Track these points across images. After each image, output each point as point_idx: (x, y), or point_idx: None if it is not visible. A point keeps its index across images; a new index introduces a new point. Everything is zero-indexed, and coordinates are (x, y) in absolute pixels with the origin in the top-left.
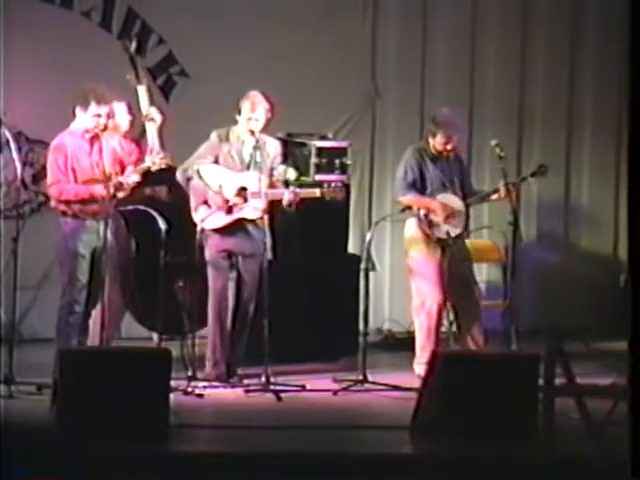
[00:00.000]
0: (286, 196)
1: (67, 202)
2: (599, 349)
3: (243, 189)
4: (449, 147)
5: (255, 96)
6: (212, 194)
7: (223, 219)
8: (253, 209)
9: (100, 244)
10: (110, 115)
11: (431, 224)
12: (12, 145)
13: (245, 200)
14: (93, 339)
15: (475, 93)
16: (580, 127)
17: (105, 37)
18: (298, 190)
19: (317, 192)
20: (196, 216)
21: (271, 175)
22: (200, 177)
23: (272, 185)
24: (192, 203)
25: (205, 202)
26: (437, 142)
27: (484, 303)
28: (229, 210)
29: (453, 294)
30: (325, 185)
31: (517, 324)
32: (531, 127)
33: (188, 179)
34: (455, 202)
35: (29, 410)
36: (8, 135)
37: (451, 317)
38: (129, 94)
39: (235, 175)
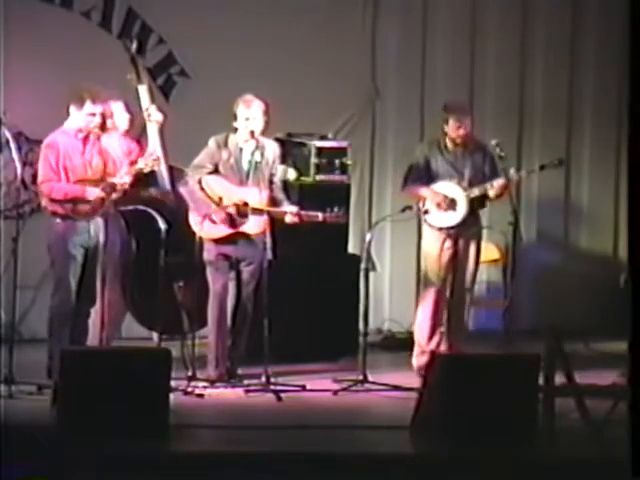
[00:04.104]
0: (288, 218)
1: (57, 202)
2: (599, 349)
3: (245, 204)
4: (462, 132)
5: (247, 97)
6: (214, 209)
7: (223, 231)
8: (254, 225)
9: (92, 244)
10: (108, 115)
11: (426, 212)
12: (12, 145)
13: (246, 216)
14: (93, 339)
15: (475, 92)
16: (580, 126)
17: (105, 37)
18: (301, 212)
19: (320, 216)
20: (194, 221)
21: (271, 182)
22: (201, 188)
23: (272, 197)
24: (191, 208)
25: (207, 215)
26: (450, 128)
27: (484, 303)
28: (230, 223)
29: (450, 293)
30: (328, 210)
31: (517, 324)
32: (531, 127)
33: (191, 191)
34: (451, 190)
35: (29, 410)
36: (8, 135)
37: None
38: (127, 93)
39: (236, 189)
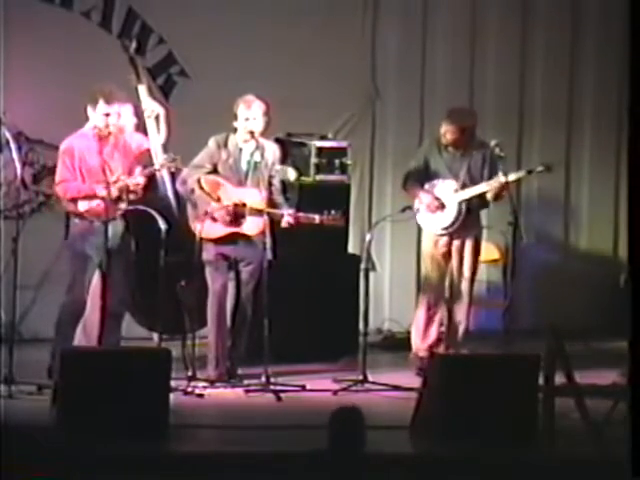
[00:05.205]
0: (285, 218)
1: (73, 201)
2: (599, 349)
3: (243, 205)
4: (448, 137)
5: (248, 97)
6: (213, 207)
7: (221, 230)
8: (253, 225)
9: (109, 246)
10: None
11: (418, 212)
12: (12, 145)
13: (244, 216)
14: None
15: (475, 93)
16: (580, 127)
17: (105, 37)
18: (298, 214)
19: (317, 219)
20: (194, 226)
21: (270, 184)
22: (201, 188)
23: (271, 199)
24: (191, 213)
25: (205, 213)
26: (442, 131)
27: (484, 303)
28: (229, 223)
29: (449, 293)
30: (325, 212)
31: (517, 324)
32: (531, 127)
33: (191, 190)
34: (442, 192)
35: (29, 410)
36: (8, 135)
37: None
38: (134, 96)
39: (235, 189)
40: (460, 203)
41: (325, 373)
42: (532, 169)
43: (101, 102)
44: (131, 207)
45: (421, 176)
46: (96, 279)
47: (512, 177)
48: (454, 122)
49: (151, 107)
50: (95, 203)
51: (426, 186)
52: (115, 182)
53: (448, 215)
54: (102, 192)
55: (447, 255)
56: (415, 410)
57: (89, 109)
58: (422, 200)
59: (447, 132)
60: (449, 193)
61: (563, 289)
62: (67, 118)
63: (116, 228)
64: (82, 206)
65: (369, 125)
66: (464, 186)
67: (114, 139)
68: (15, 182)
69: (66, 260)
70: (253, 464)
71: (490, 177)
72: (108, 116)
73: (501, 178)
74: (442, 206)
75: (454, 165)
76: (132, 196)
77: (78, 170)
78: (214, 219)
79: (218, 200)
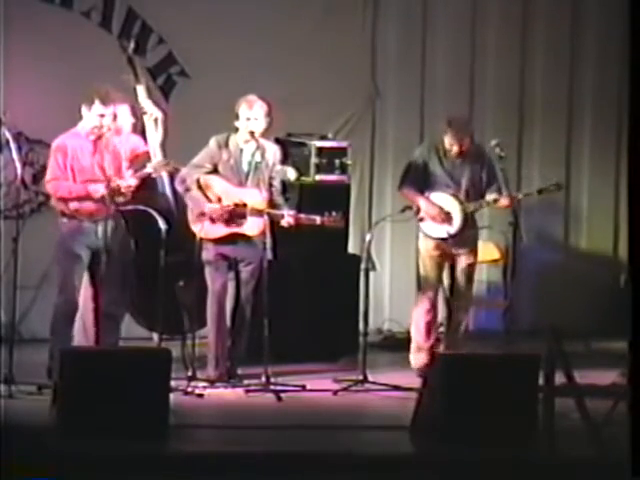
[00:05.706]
0: (285, 219)
1: (64, 200)
2: (599, 349)
3: (243, 205)
4: (455, 149)
5: (250, 97)
6: (211, 207)
7: (222, 230)
8: (253, 225)
9: (100, 245)
10: (114, 116)
11: (421, 220)
12: (12, 145)
13: (244, 217)
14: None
15: (475, 92)
16: (580, 126)
17: (105, 37)
18: (299, 215)
19: (317, 220)
20: (194, 226)
21: (270, 185)
22: (199, 187)
23: (271, 200)
24: (190, 213)
25: (203, 214)
26: (446, 142)
27: (484, 303)
28: (228, 223)
29: (449, 293)
30: (326, 214)
31: (517, 324)
32: (531, 126)
33: (187, 189)
34: (447, 203)
35: (29, 410)
36: (8, 135)
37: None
38: (132, 96)
39: (235, 190)
40: (465, 213)
41: (325, 373)
42: (543, 188)
43: (97, 103)
44: (130, 207)
45: (419, 180)
46: (87, 279)
47: (520, 195)
48: (459, 133)
49: (150, 110)
50: (85, 203)
51: (426, 194)
52: (110, 181)
53: (454, 225)
54: (96, 192)
55: (445, 255)
56: (415, 410)
57: (83, 109)
58: (425, 210)
59: (453, 144)
60: (454, 204)
61: (563, 289)
62: (67, 118)
63: (105, 228)
64: (72, 205)
65: (369, 124)
66: (467, 193)
67: (107, 140)
68: (15, 182)
69: (57, 259)
70: (253, 464)
71: (489, 180)
72: (103, 117)
73: (505, 196)
74: (448, 215)
75: (455, 172)
76: (121, 198)
77: (69, 169)
78: (212, 220)
79: (218, 201)
